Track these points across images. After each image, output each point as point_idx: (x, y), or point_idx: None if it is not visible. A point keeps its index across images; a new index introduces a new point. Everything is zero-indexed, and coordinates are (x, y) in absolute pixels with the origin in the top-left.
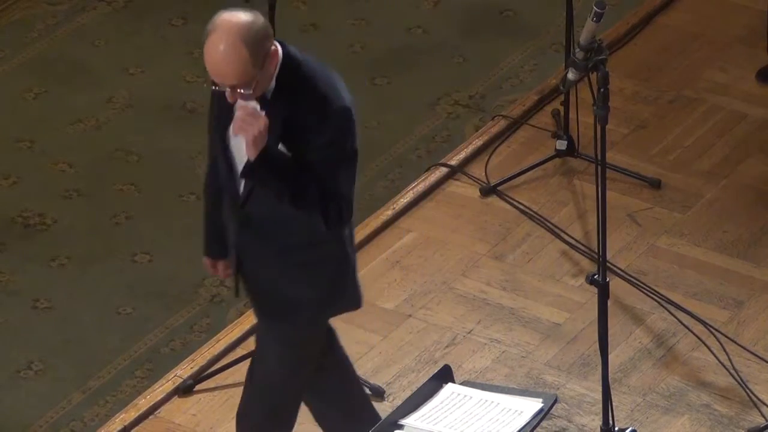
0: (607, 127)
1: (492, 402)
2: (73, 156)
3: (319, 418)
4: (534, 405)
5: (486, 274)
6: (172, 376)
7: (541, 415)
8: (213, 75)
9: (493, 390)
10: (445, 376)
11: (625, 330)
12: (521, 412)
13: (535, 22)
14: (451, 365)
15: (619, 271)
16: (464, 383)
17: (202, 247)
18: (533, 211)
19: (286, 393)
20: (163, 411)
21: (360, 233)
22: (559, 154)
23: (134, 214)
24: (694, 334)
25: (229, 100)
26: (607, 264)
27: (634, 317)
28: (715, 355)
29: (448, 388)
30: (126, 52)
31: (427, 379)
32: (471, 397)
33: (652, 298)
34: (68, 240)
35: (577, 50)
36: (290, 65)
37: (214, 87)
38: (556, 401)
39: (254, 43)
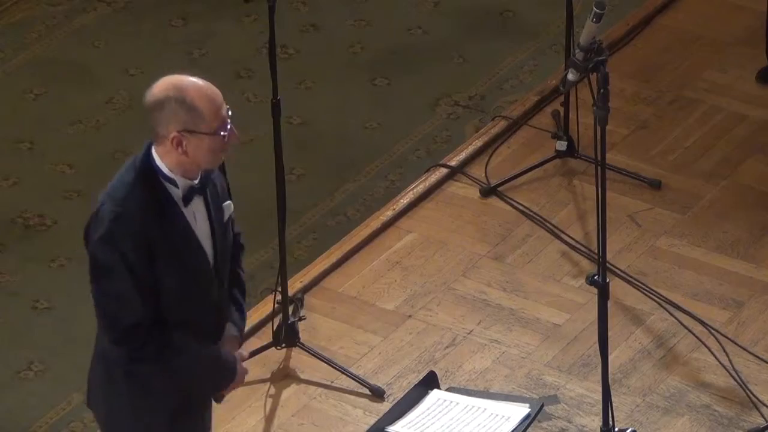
0: (607, 127)
1: (479, 408)
2: (73, 157)
3: None
4: (521, 410)
5: (486, 275)
6: None
7: (528, 421)
8: (221, 108)
9: (479, 396)
10: (430, 382)
11: (625, 331)
12: (508, 417)
13: (535, 23)
14: (451, 366)
15: (619, 272)
16: (450, 389)
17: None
18: (533, 212)
19: None
20: None
21: (360, 234)
22: (559, 154)
23: None
24: (694, 334)
25: (235, 140)
26: (607, 265)
27: (634, 318)
28: (715, 356)
29: (434, 395)
30: (126, 53)
31: (412, 386)
32: (457, 403)
33: (652, 298)
34: (68, 241)
35: (577, 51)
36: None
37: (229, 121)
38: (542, 407)
39: None
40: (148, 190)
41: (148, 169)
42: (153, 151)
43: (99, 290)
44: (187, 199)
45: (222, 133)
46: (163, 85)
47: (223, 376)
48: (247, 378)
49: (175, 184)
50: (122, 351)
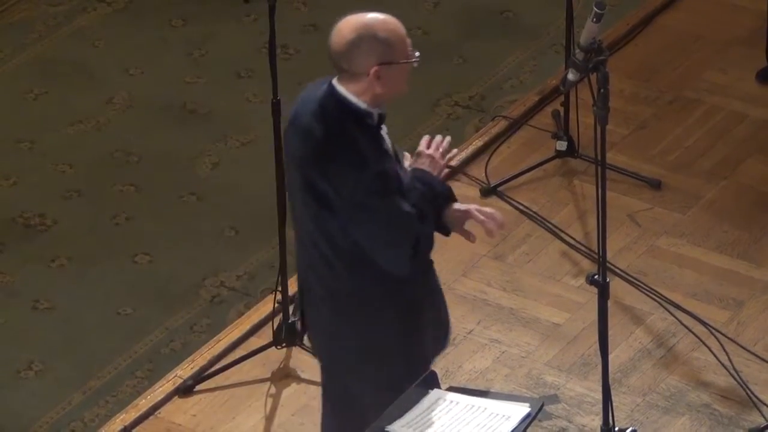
0: (607, 127)
1: (479, 407)
2: (74, 156)
3: None
4: (521, 410)
5: (486, 275)
6: (173, 376)
7: (529, 420)
8: (406, 34)
9: (479, 395)
10: (430, 381)
11: (625, 330)
12: (509, 417)
13: (535, 23)
14: (451, 365)
15: (619, 272)
16: (450, 389)
17: None
18: (533, 212)
19: None
20: (163, 411)
21: None
22: (559, 154)
23: (134, 215)
24: (694, 334)
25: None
26: (607, 264)
27: (634, 317)
28: (715, 355)
29: (434, 394)
30: (126, 53)
31: (412, 385)
32: (457, 403)
33: (652, 298)
34: (68, 240)
35: (577, 51)
36: None
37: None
38: (542, 406)
39: None
40: (362, 127)
41: (349, 109)
42: (343, 92)
43: (384, 233)
44: (380, 126)
45: (413, 59)
46: (348, 27)
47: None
48: (245, 378)
49: (372, 117)
50: (414, 262)
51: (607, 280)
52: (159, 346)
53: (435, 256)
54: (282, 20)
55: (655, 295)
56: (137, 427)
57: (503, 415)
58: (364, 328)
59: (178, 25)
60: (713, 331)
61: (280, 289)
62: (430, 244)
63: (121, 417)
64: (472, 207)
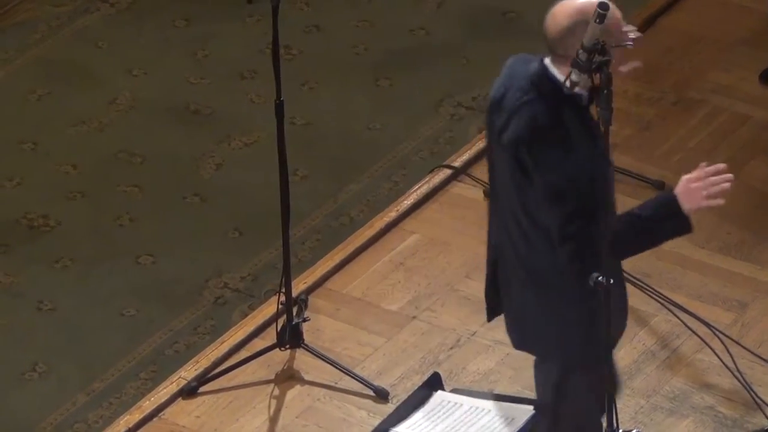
0: (610, 128)
1: (483, 409)
2: (77, 157)
3: None
4: (525, 411)
5: None
6: (176, 377)
7: (533, 422)
8: (621, 19)
9: (483, 397)
10: (434, 383)
11: (628, 332)
12: (513, 419)
13: (538, 24)
14: (455, 367)
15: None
16: (454, 390)
17: None
18: None
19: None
20: (167, 413)
21: (364, 235)
22: None
23: (138, 216)
24: (698, 336)
25: (640, 44)
26: None
27: (637, 319)
28: (719, 357)
29: (438, 396)
30: (129, 54)
31: (416, 387)
32: (462, 405)
33: (656, 300)
34: (72, 241)
35: (581, 51)
36: None
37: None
38: None
39: None
40: (574, 109)
41: (561, 89)
42: (556, 73)
43: (577, 224)
44: (589, 106)
45: (628, 43)
46: (563, 13)
47: (669, 213)
48: (249, 379)
49: (582, 98)
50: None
51: (611, 281)
52: (163, 347)
53: (438, 257)
54: (285, 21)
55: (658, 296)
56: (141, 429)
57: (507, 417)
58: (555, 304)
59: (181, 25)
60: (717, 332)
61: (284, 290)
62: (590, 256)
63: (125, 418)
64: (694, 185)
